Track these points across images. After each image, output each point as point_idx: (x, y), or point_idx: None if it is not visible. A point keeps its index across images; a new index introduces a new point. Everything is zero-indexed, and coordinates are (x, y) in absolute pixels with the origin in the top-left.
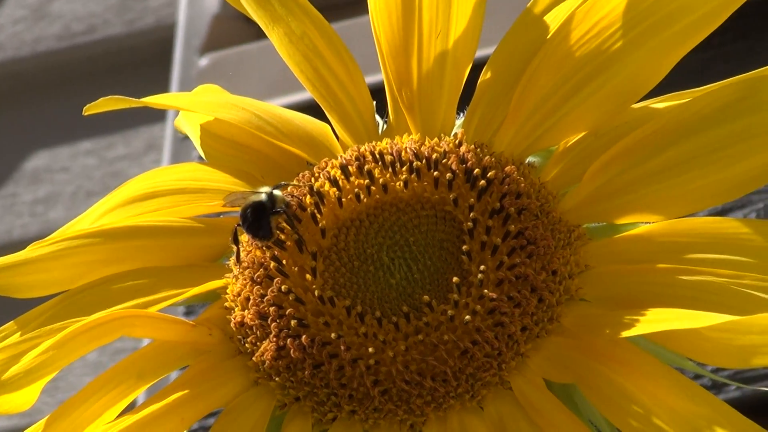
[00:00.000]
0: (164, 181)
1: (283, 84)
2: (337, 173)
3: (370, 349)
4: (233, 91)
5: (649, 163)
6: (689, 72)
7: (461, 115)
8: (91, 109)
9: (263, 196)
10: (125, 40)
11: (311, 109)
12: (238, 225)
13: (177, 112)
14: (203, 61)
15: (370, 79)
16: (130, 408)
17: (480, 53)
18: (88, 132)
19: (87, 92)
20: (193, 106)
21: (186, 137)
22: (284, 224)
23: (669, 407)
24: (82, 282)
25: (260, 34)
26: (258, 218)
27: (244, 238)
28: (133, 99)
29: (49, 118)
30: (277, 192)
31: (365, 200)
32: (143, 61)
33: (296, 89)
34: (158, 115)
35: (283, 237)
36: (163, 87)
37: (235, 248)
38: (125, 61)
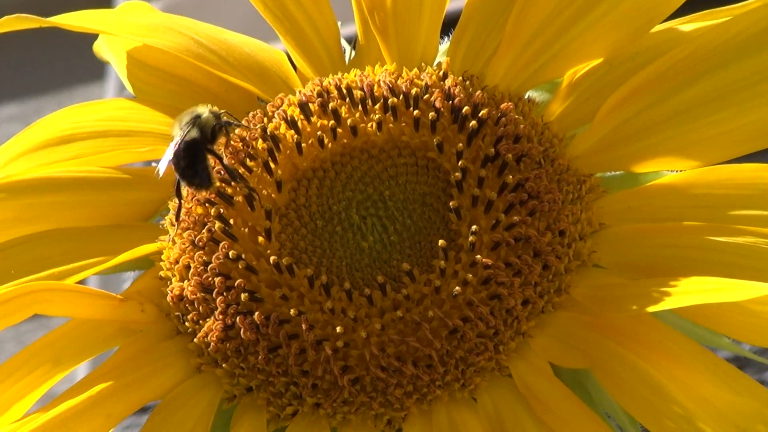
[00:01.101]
0: (84, 122)
1: (252, 33)
2: (296, 112)
3: (338, 329)
4: None
5: (675, 98)
6: None
7: (446, 39)
8: None
9: (195, 132)
10: None
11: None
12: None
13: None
14: (154, 5)
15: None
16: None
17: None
18: (13, 93)
19: (8, 45)
20: (117, 29)
21: (134, 98)
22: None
23: (702, 397)
24: None
25: None
26: (192, 160)
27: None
28: (42, 18)
29: None
30: (206, 115)
31: (330, 145)
32: (77, 6)
33: (268, 39)
34: (97, 73)
35: (229, 190)
36: None
37: (176, 203)
38: (55, 6)
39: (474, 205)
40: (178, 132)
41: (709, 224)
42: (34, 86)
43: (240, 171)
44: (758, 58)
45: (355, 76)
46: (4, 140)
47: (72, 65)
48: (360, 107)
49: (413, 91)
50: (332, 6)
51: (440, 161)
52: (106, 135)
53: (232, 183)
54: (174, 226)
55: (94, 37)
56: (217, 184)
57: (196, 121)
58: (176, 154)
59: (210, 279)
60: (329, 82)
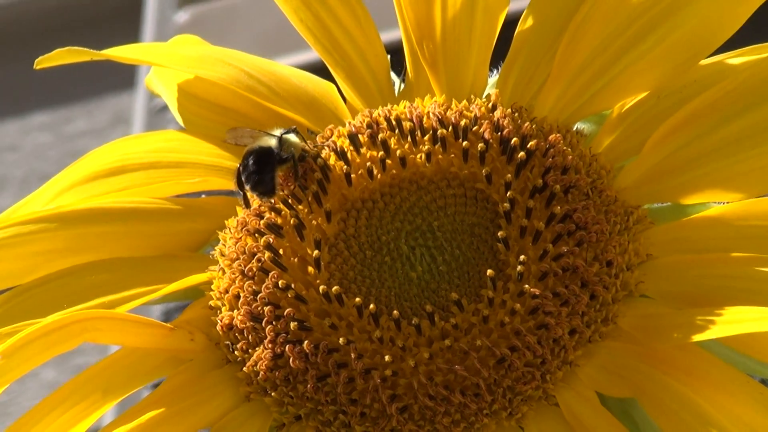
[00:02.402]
0: (134, 153)
1: (282, 42)
2: (345, 144)
3: (387, 358)
4: None
5: (723, 130)
6: None
7: (495, 72)
8: (44, 62)
9: (274, 141)
10: None
11: (319, 71)
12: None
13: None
14: (182, 15)
15: (386, 36)
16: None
17: (516, 5)
18: (43, 102)
19: (39, 54)
20: (169, 61)
21: (164, 107)
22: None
23: (749, 427)
24: (34, 276)
25: None
26: (262, 167)
27: (232, 222)
28: (95, 51)
29: None
30: (291, 136)
31: (379, 176)
32: (108, 15)
33: (298, 48)
34: (127, 82)
35: (279, 220)
36: None
37: (228, 231)
38: (86, 16)
39: (522, 235)
40: (258, 138)
41: (757, 255)
42: (64, 95)
43: (290, 201)
44: None
45: (404, 107)
46: (33, 149)
47: (102, 74)
48: (409, 138)
49: (462, 123)
50: (372, 12)
51: (489, 192)
52: (156, 166)
53: (282, 212)
54: (224, 256)
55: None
56: (281, 194)
57: (282, 134)
58: (246, 158)
59: (259, 308)
60: (379, 114)
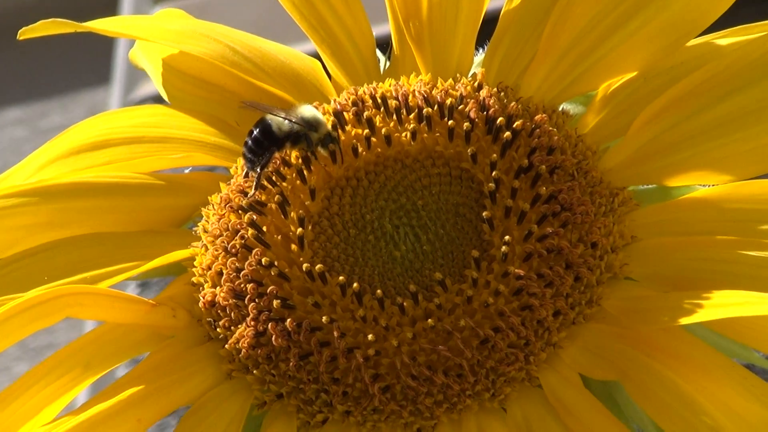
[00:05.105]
0: (118, 128)
1: (261, 35)
2: (330, 121)
3: (370, 337)
4: None
5: (710, 112)
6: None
7: (481, 51)
8: (27, 32)
9: (286, 123)
10: None
11: None
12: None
13: (125, 68)
14: (158, 11)
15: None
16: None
17: None
18: (17, 97)
19: (14, 49)
20: (153, 35)
21: (141, 101)
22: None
23: (733, 411)
24: (15, 250)
25: None
26: (257, 146)
27: (216, 198)
28: (77, 23)
29: None
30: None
31: (364, 154)
32: (86, 11)
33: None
34: (102, 77)
35: (263, 197)
36: (107, 44)
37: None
38: (63, 11)
39: (507, 215)
40: (292, 115)
41: (741, 239)
42: (39, 90)
43: (274, 178)
44: None
45: (390, 85)
46: (8, 144)
47: (77, 69)
48: (394, 117)
49: (448, 102)
50: (365, 7)
51: (474, 172)
52: (140, 141)
53: (267, 189)
54: (207, 233)
55: (100, 41)
56: (261, 179)
57: (310, 123)
58: (255, 125)
59: (242, 285)
60: (364, 92)
